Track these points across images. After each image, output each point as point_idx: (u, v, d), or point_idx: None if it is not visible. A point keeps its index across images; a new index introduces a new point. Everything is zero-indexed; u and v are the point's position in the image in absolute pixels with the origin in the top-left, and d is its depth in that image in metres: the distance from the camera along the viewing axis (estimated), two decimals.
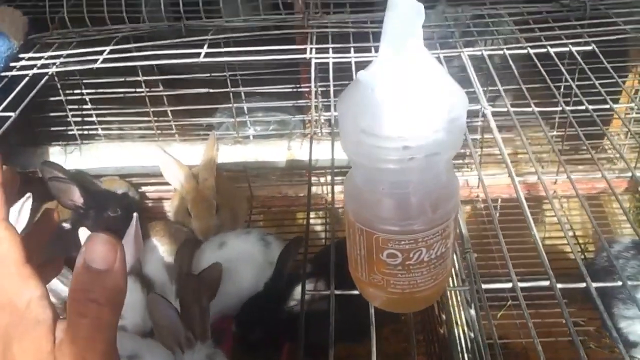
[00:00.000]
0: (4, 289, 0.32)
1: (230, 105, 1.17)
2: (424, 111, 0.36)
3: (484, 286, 0.52)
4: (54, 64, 0.93)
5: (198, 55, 0.89)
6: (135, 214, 0.92)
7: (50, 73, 0.92)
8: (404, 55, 0.36)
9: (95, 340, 0.31)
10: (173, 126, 1.23)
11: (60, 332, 0.32)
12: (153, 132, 1.21)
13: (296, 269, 0.88)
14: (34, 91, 0.89)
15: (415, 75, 0.37)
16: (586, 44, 0.90)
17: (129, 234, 0.90)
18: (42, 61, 0.93)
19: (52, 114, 1.19)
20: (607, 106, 0.80)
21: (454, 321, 0.66)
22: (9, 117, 0.83)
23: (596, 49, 0.89)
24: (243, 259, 0.96)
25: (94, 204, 1.03)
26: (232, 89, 1.13)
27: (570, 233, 1.28)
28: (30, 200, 0.97)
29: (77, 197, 1.01)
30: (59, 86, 1.11)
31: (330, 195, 1.33)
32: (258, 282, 0.90)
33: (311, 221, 1.41)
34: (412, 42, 0.36)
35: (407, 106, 0.36)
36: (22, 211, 0.96)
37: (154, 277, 0.98)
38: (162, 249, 1.01)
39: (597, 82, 0.83)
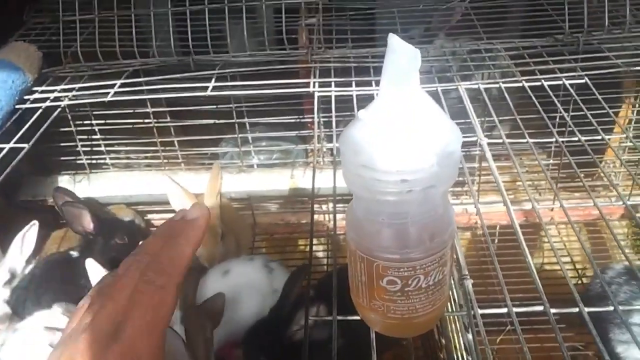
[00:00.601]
0: (142, 351, 0.32)
1: (235, 135, 1.20)
2: (421, 147, 0.39)
3: (480, 311, 0.55)
4: (66, 96, 0.96)
5: (206, 88, 0.92)
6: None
7: (62, 106, 0.95)
8: (402, 96, 0.39)
9: None
10: (179, 155, 1.26)
11: None
12: (160, 161, 1.25)
13: (299, 295, 0.90)
14: (47, 123, 0.92)
15: (413, 113, 0.39)
16: (579, 77, 0.93)
17: None
18: (55, 94, 0.97)
19: (62, 144, 1.22)
20: (600, 137, 0.83)
21: (453, 346, 0.68)
22: (22, 148, 0.86)
23: (589, 82, 0.92)
24: (247, 286, 0.97)
25: (103, 230, 1.05)
26: (238, 120, 1.16)
27: (568, 259, 1.30)
28: (36, 228, 0.99)
29: (87, 223, 1.04)
30: (69, 117, 1.14)
31: (331, 222, 1.35)
32: (262, 308, 0.92)
33: (313, 248, 1.43)
34: (409, 84, 0.39)
35: (405, 142, 0.39)
36: (25, 239, 0.98)
37: None
38: None
39: (589, 114, 0.86)
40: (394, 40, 0.38)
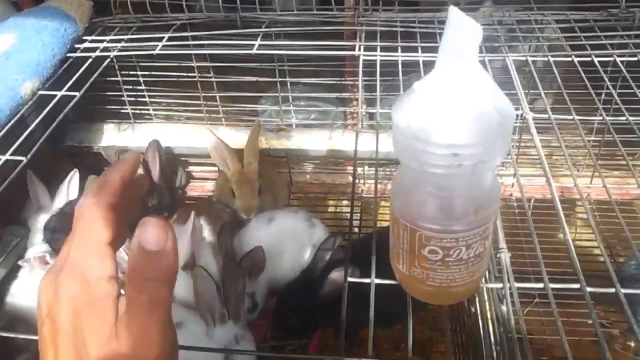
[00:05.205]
0: (83, 263, 0.36)
1: (275, 94, 1.20)
2: (475, 122, 0.39)
3: (516, 284, 0.56)
4: (115, 47, 0.97)
5: (252, 46, 0.93)
6: (192, 212, 0.97)
7: (111, 56, 0.97)
8: (458, 70, 0.40)
9: (153, 313, 0.35)
10: (221, 111, 1.28)
11: (122, 306, 0.36)
12: (202, 115, 1.27)
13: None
14: (97, 73, 0.93)
15: (468, 88, 0.40)
16: (631, 54, 0.91)
17: (186, 229, 0.94)
18: (105, 44, 0.98)
19: (108, 93, 1.24)
20: None
21: (484, 316, 0.69)
22: (72, 95, 0.88)
23: None
24: (290, 235, 1.01)
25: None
26: (279, 79, 1.16)
27: (601, 237, 1.29)
28: (77, 176, 1.06)
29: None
30: (117, 67, 1.16)
31: (365, 185, 1.36)
32: (300, 259, 0.96)
33: (346, 209, 1.45)
34: (467, 59, 0.39)
35: (459, 117, 0.40)
36: (70, 185, 1.04)
37: (198, 256, 1.03)
38: (207, 228, 1.06)
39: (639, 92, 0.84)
40: (454, 13, 0.38)
